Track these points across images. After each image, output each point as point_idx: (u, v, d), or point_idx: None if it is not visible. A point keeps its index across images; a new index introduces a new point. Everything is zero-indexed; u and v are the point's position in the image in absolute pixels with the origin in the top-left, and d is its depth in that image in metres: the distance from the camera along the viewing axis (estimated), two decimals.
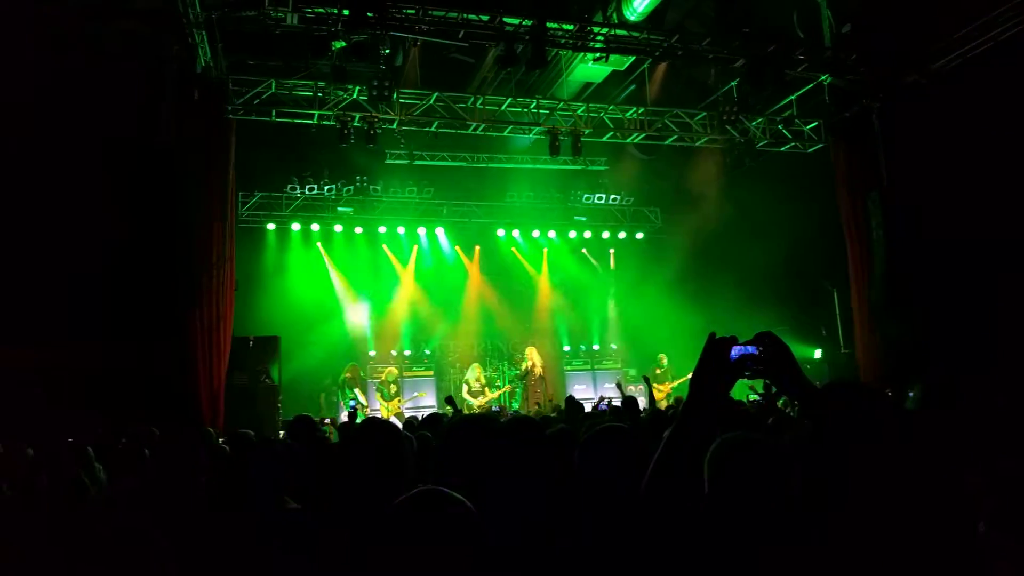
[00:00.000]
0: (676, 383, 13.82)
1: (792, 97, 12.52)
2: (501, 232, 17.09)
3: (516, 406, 14.74)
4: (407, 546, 1.44)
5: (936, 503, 1.22)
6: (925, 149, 10.84)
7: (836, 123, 12.78)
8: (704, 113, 13.07)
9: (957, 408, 2.06)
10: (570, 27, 10.34)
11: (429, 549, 1.43)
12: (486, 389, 13.62)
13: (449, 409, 8.20)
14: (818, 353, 13.29)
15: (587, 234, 17.53)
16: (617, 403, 8.65)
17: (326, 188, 14.56)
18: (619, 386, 10.12)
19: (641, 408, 7.23)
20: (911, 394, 2.29)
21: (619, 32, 10.64)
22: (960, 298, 10.24)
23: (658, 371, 14.04)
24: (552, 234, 17.42)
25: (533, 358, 14.02)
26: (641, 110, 12.80)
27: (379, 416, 11.73)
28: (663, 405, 12.75)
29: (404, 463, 2.44)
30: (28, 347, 9.97)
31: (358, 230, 15.90)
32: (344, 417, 11.98)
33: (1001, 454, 1.89)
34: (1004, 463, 1.69)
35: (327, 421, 10.48)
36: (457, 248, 16.87)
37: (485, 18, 9.86)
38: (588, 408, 10.35)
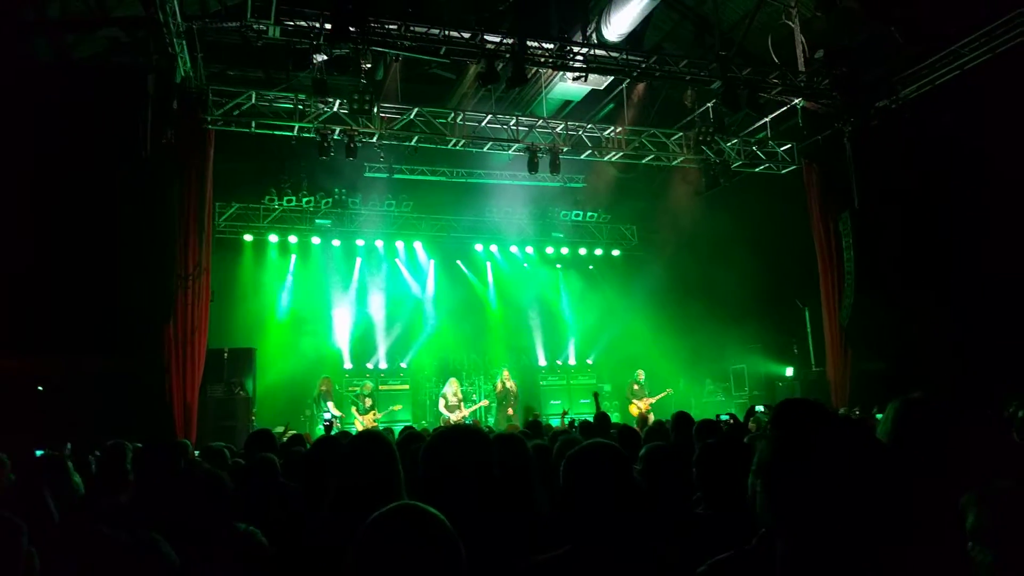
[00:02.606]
0: (655, 399, 13.89)
1: (766, 120, 12.78)
2: (479, 247, 17.15)
3: (492, 421, 14.72)
4: (378, 564, 1.42)
5: (899, 522, 1.26)
6: (895, 172, 11.12)
7: (809, 146, 13.07)
8: (681, 133, 13.28)
9: (930, 430, 2.11)
10: (550, 46, 10.48)
11: (402, 566, 1.42)
12: (462, 404, 13.61)
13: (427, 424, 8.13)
14: (789, 371, 13.48)
15: (564, 250, 17.66)
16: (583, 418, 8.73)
17: (304, 200, 14.51)
18: (596, 395, 10.16)
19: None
20: (879, 415, 2.37)
21: (598, 52, 10.81)
22: (930, 318, 10.48)
23: (636, 387, 14.08)
24: (530, 250, 17.52)
25: (506, 378, 14.15)
26: (619, 129, 12.97)
27: (354, 430, 11.65)
28: (641, 420, 12.83)
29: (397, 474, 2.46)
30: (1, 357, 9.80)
31: (336, 243, 15.86)
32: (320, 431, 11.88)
33: (988, 475, 1.94)
34: (997, 483, 1.75)
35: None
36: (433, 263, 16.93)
37: (467, 35, 9.95)
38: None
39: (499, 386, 14.20)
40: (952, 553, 1.54)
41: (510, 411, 13.78)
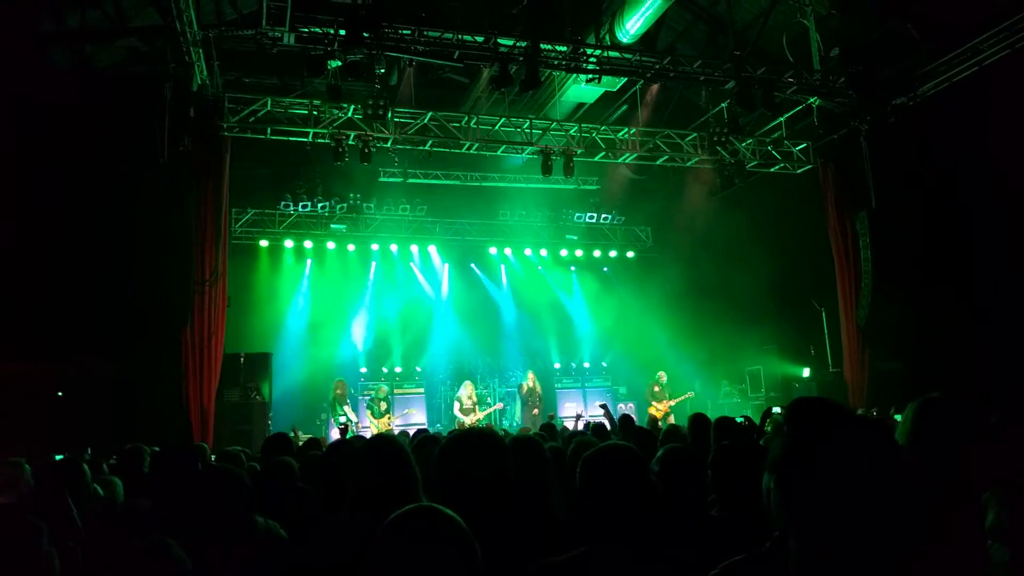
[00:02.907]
0: (674, 402, 13.76)
1: (781, 119, 12.69)
2: (493, 250, 17.17)
3: (507, 424, 14.73)
4: (397, 566, 1.43)
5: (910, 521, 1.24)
6: (913, 171, 11.01)
7: (825, 145, 12.96)
8: (695, 134, 13.23)
9: (950, 430, 2.09)
10: (563, 48, 10.48)
11: (420, 568, 1.42)
12: (477, 407, 13.60)
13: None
14: (806, 372, 13.36)
15: (579, 252, 17.64)
16: (597, 420, 8.66)
17: (319, 205, 14.60)
18: (604, 407, 10.00)
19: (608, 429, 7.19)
20: (898, 416, 2.34)
21: (612, 54, 10.80)
22: (949, 318, 10.36)
23: (656, 388, 13.88)
24: (544, 252, 17.51)
25: (532, 380, 14.20)
26: (633, 130, 12.93)
27: (369, 433, 11.69)
28: (652, 422, 12.74)
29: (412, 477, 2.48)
30: (18, 362, 9.90)
31: (351, 247, 15.95)
32: (335, 435, 11.94)
33: (1006, 473, 1.92)
34: (1019, 482, 1.73)
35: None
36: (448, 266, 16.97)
37: (480, 39, 9.97)
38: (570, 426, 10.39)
39: (525, 387, 14.19)
40: (971, 552, 1.52)
41: (535, 412, 13.78)
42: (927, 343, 10.58)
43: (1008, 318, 9.43)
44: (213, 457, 6.43)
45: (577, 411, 13.25)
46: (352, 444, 5.08)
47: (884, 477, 1.22)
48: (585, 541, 2.04)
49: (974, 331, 9.91)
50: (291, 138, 11.67)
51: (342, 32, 9.27)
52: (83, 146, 9.96)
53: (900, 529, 1.20)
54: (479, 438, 2.44)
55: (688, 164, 13.68)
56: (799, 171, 13.56)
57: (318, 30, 9.43)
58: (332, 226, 15.50)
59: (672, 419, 12.90)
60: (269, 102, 11.15)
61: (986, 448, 2.04)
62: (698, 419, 5.55)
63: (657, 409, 13.59)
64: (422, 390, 15.33)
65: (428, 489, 2.48)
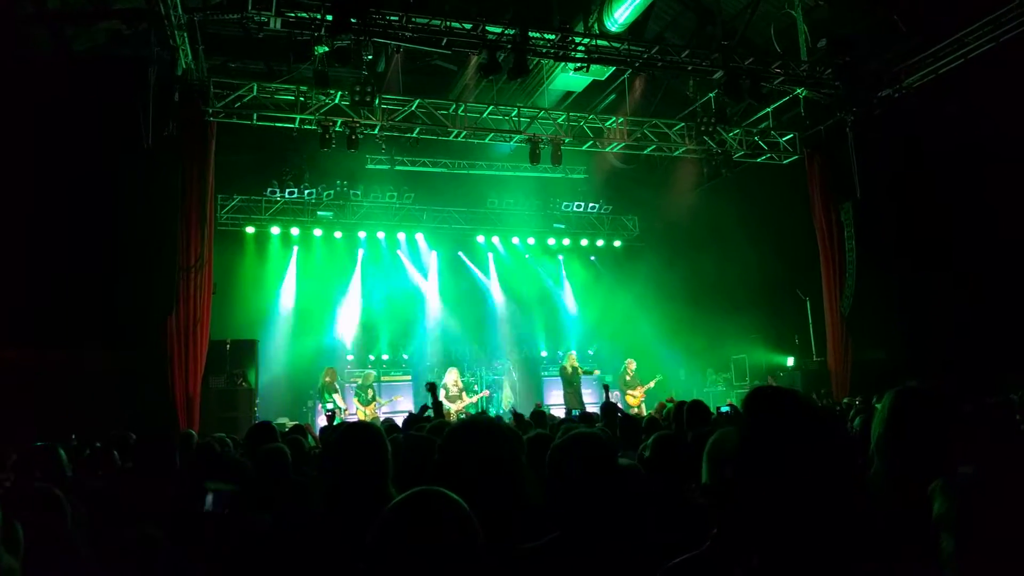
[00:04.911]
0: (647, 387, 13.91)
1: (768, 109, 12.73)
2: (481, 238, 17.16)
3: (493, 412, 14.76)
4: (404, 547, 1.44)
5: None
6: (898, 162, 11.09)
7: (811, 135, 13.03)
8: (682, 124, 13.24)
9: (925, 419, 2.12)
10: (552, 36, 10.44)
11: (427, 550, 1.43)
12: (463, 394, 13.61)
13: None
14: (790, 361, 13.48)
15: (566, 241, 17.66)
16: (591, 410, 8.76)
17: (306, 192, 14.52)
18: (606, 387, 10.21)
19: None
20: (879, 405, 2.37)
21: (600, 42, 10.77)
22: (931, 308, 10.48)
23: (627, 377, 14.08)
24: (532, 240, 17.52)
25: (573, 360, 14.27)
26: (621, 120, 12.93)
27: (356, 420, 11.68)
28: (635, 412, 12.84)
29: (387, 465, 2.49)
30: (1, 351, 9.82)
31: (337, 234, 15.89)
32: (322, 421, 11.92)
33: (961, 461, 1.95)
34: (961, 470, 1.76)
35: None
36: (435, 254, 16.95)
37: (468, 26, 9.92)
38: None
39: (569, 368, 14.16)
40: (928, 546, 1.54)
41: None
42: (910, 333, 10.71)
43: (990, 308, 9.55)
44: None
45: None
46: (333, 431, 5.08)
47: (840, 468, 1.24)
48: (558, 527, 2.07)
49: (956, 321, 10.03)
50: (277, 124, 11.57)
51: (329, 17, 9.19)
52: (65, 131, 9.84)
53: (857, 519, 1.21)
54: (486, 427, 2.42)
55: (675, 154, 13.70)
56: (785, 161, 13.62)
57: (305, 15, 9.34)
58: (319, 213, 15.43)
59: (644, 408, 13.10)
60: (255, 87, 11.04)
61: (961, 436, 2.08)
62: (681, 406, 5.62)
63: (632, 396, 13.75)
64: (409, 377, 15.31)
65: (427, 474, 2.48)
